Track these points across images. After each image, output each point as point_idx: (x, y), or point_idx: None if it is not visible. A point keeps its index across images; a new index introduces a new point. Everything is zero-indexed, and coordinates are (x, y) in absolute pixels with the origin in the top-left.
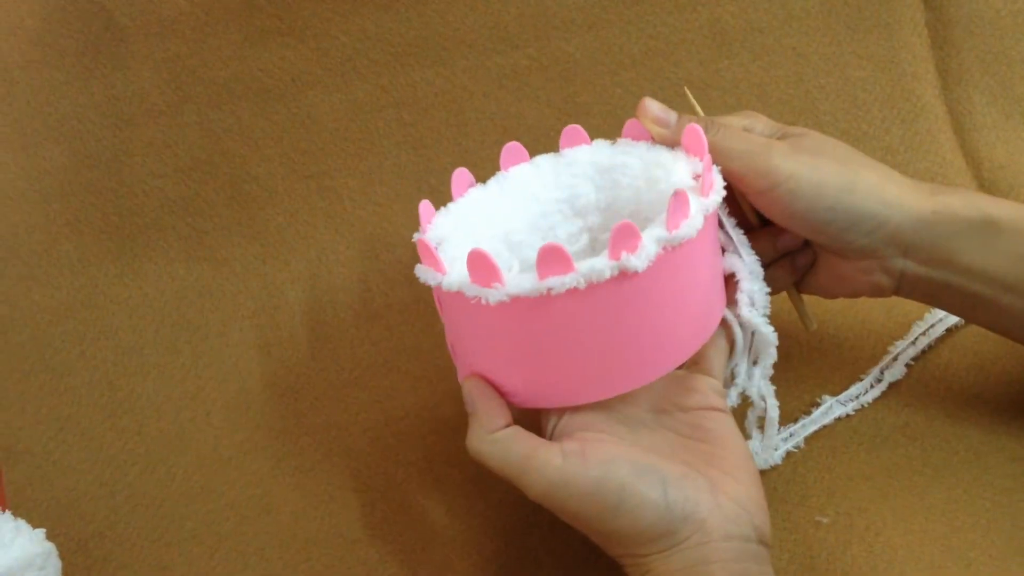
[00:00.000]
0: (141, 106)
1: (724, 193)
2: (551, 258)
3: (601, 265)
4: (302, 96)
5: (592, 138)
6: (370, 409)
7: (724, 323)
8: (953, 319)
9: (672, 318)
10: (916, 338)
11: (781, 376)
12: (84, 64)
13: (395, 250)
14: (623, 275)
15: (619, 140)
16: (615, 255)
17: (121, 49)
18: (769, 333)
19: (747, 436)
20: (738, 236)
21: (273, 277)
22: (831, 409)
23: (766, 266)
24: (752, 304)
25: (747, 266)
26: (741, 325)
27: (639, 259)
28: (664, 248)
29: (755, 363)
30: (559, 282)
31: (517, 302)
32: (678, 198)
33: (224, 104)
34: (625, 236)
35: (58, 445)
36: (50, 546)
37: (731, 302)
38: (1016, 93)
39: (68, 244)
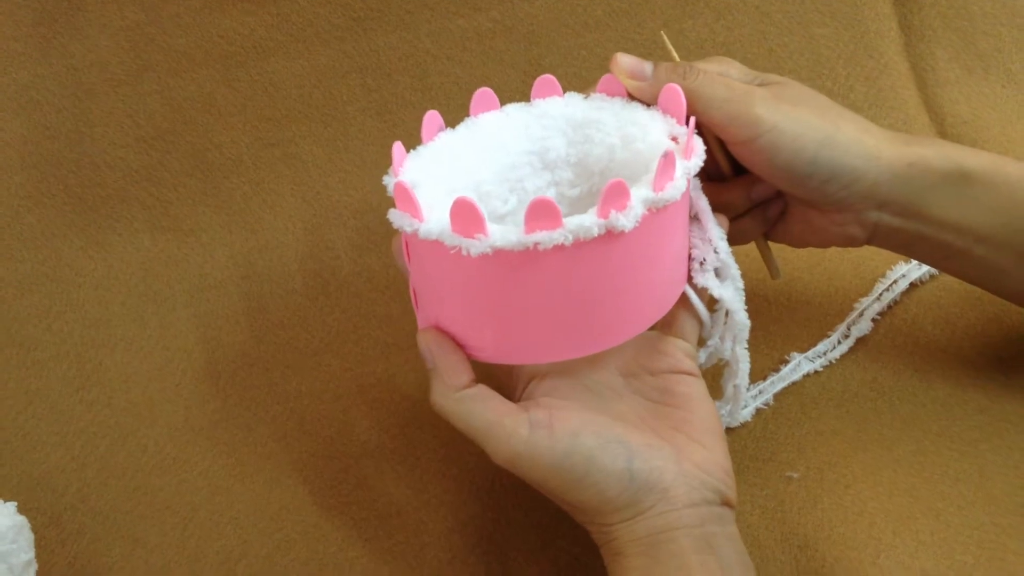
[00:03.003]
0: (101, 75)
1: (704, 157)
2: (541, 212)
3: (590, 222)
4: (264, 63)
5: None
6: (341, 376)
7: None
8: (916, 274)
9: (650, 278)
10: (880, 294)
11: (750, 334)
12: (41, 34)
13: (362, 217)
14: (609, 234)
15: (592, 94)
16: (604, 213)
17: (78, 18)
18: (733, 300)
19: (721, 394)
20: (703, 203)
21: (240, 246)
22: (799, 366)
23: (738, 216)
24: (703, 267)
25: (707, 232)
26: (698, 292)
27: (627, 219)
28: (649, 209)
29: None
30: (547, 237)
31: (499, 255)
32: (667, 159)
33: (185, 72)
34: (616, 195)
35: (27, 419)
36: (22, 519)
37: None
38: (978, 48)
39: (31, 217)
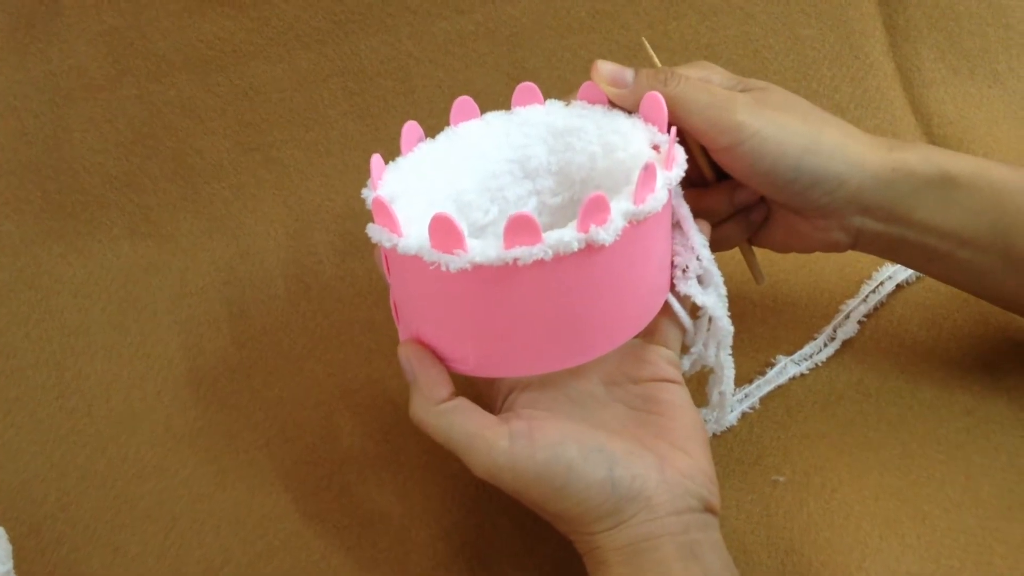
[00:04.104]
0: (79, 81)
1: (686, 166)
2: (520, 227)
3: (569, 237)
4: (244, 67)
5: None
6: (324, 383)
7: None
8: (902, 276)
9: (631, 290)
10: (866, 295)
11: (735, 337)
12: (18, 39)
13: (345, 221)
14: (589, 248)
15: (573, 102)
16: (584, 227)
17: (56, 22)
18: (715, 307)
19: (706, 401)
20: (684, 211)
21: (221, 252)
22: (785, 369)
23: (721, 222)
24: (685, 274)
25: (689, 239)
26: (680, 299)
27: (607, 232)
28: (630, 222)
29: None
30: (526, 252)
31: (479, 270)
32: (648, 172)
33: (164, 76)
34: (596, 209)
35: (6, 428)
36: None
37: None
38: (964, 48)
39: (9, 224)
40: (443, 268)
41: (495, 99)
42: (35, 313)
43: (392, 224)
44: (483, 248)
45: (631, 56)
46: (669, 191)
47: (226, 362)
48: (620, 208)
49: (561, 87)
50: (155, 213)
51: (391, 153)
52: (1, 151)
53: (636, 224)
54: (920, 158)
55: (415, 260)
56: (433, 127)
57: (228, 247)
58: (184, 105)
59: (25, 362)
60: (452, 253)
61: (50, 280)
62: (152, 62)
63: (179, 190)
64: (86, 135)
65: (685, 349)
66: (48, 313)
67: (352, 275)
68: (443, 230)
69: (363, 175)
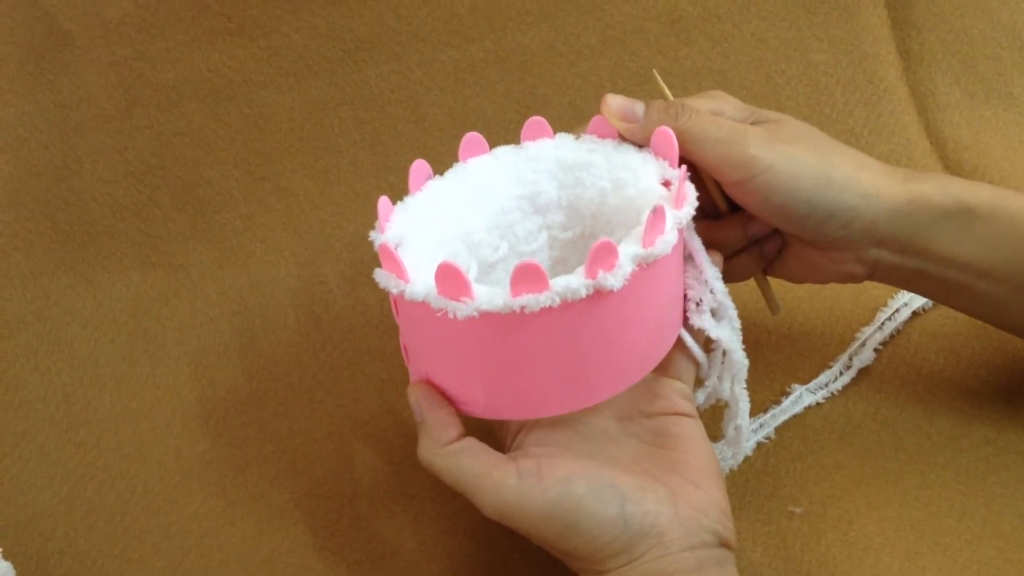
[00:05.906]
0: (89, 112)
1: (696, 204)
2: (526, 276)
3: (577, 284)
4: (254, 96)
5: (553, 129)
6: (334, 414)
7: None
8: (918, 303)
9: (642, 331)
10: (882, 323)
11: (750, 366)
12: (28, 70)
13: (355, 250)
14: (598, 293)
15: (583, 135)
16: (592, 274)
17: (66, 54)
18: (730, 340)
19: (723, 435)
20: (696, 244)
21: (231, 282)
22: (801, 398)
23: (735, 253)
24: (698, 308)
25: (702, 273)
26: (694, 334)
27: (615, 278)
28: (639, 265)
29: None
30: (533, 300)
31: (486, 317)
32: (656, 215)
33: (174, 107)
34: (603, 255)
35: (14, 462)
36: (6, 565)
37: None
38: (979, 72)
39: (18, 255)
40: (450, 315)
41: (506, 126)
42: (44, 345)
43: (399, 270)
44: (490, 296)
45: (642, 82)
46: (679, 231)
47: (236, 393)
48: (628, 252)
49: (572, 114)
50: (165, 243)
51: (402, 181)
52: (11, 182)
53: (645, 267)
54: (937, 189)
55: (423, 305)
56: (443, 155)
57: (238, 277)
58: (194, 135)
59: (33, 395)
60: (459, 300)
61: (59, 311)
62: (162, 92)
63: (189, 220)
64: (96, 166)
65: (699, 382)
66: (57, 345)
67: (363, 304)
68: (449, 278)
69: (374, 203)
